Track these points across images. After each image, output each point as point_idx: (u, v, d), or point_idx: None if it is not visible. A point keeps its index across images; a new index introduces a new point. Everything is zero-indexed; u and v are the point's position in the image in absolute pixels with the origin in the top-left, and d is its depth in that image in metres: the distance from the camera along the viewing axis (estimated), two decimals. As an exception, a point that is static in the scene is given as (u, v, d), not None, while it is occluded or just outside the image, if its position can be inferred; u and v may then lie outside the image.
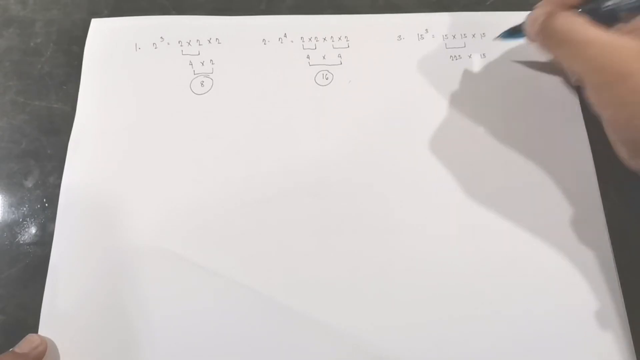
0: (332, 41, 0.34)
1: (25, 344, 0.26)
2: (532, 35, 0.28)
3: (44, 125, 0.33)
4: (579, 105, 0.32)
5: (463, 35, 0.34)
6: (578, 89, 0.32)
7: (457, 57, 0.33)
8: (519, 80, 0.32)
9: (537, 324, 0.27)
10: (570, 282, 0.28)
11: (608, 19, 0.26)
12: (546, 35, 0.27)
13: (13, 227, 0.30)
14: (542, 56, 0.31)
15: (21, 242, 0.30)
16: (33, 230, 0.30)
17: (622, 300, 0.28)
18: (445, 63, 0.33)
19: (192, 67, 0.33)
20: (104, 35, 0.34)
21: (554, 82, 0.32)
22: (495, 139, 0.31)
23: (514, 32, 0.31)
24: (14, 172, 0.32)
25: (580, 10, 0.26)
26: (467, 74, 0.33)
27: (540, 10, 0.27)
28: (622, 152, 0.27)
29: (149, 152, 0.31)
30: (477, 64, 0.33)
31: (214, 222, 0.30)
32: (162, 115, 0.32)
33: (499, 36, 0.31)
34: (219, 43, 0.34)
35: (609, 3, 0.26)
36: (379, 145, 0.31)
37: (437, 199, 0.30)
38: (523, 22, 0.29)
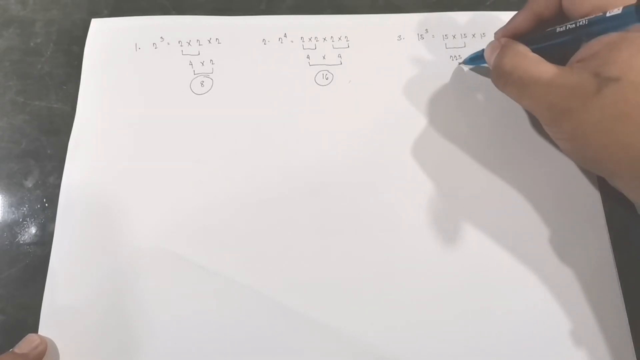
0: (332, 41, 0.34)
1: (25, 344, 0.26)
2: (489, 63, 0.28)
3: (44, 125, 0.33)
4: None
5: (463, 35, 0.34)
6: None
7: (457, 57, 0.33)
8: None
9: (536, 324, 0.27)
10: (570, 282, 0.28)
11: (563, 46, 0.26)
12: (496, 74, 0.27)
13: (13, 227, 0.30)
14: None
15: (21, 242, 0.30)
16: (33, 230, 0.30)
17: (622, 300, 0.28)
18: (445, 63, 0.33)
19: (192, 67, 0.33)
20: (104, 35, 0.34)
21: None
22: (495, 138, 0.31)
23: (475, 58, 0.31)
24: (14, 172, 0.32)
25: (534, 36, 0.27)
26: (467, 75, 0.33)
27: (495, 42, 0.28)
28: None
29: (149, 152, 0.31)
30: (477, 64, 0.33)
31: (213, 221, 0.30)
32: (162, 115, 0.32)
33: (463, 61, 0.32)
34: (219, 43, 0.34)
35: (560, 29, 0.26)
36: (379, 145, 0.31)
37: (437, 198, 0.30)
38: (483, 49, 0.30)
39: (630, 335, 0.27)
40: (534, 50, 0.26)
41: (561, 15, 0.27)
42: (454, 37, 0.34)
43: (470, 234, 0.29)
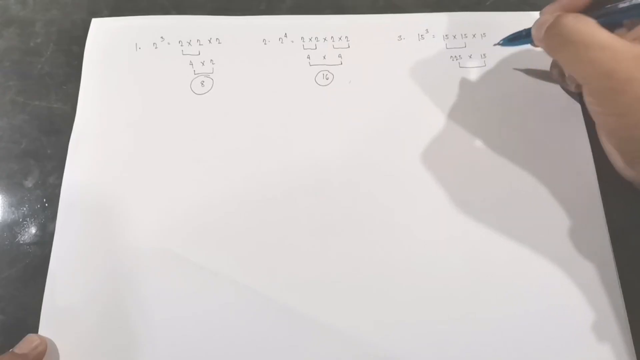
0: (333, 41, 0.34)
1: (25, 344, 0.26)
2: (538, 38, 0.27)
3: (44, 125, 0.33)
4: (580, 105, 0.32)
5: (463, 36, 0.34)
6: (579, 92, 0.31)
7: (458, 57, 0.33)
8: (519, 81, 0.32)
9: (536, 324, 0.27)
10: (570, 283, 0.28)
11: (611, 25, 0.25)
12: (552, 35, 0.26)
13: (13, 227, 0.30)
14: (543, 60, 0.31)
15: (21, 242, 0.30)
16: (33, 230, 0.30)
17: (622, 300, 0.28)
18: (445, 63, 0.33)
19: (193, 67, 0.33)
20: (104, 35, 0.34)
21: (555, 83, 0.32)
22: (495, 140, 0.31)
23: (514, 39, 0.30)
24: (14, 172, 0.32)
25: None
26: (467, 75, 0.33)
27: (547, 16, 0.27)
28: (617, 160, 0.27)
29: (149, 152, 0.31)
30: (477, 65, 0.33)
31: (214, 221, 0.30)
32: (163, 115, 0.32)
33: (499, 42, 0.31)
34: (219, 43, 0.34)
35: (623, 5, 0.25)
36: (379, 145, 0.31)
37: (437, 199, 0.30)
38: (524, 29, 0.29)
39: (630, 335, 0.27)
40: None
41: None
42: (454, 37, 0.34)
43: (470, 234, 0.29)
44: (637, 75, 0.23)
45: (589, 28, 0.24)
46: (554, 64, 0.31)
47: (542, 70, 0.32)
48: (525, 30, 0.29)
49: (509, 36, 0.31)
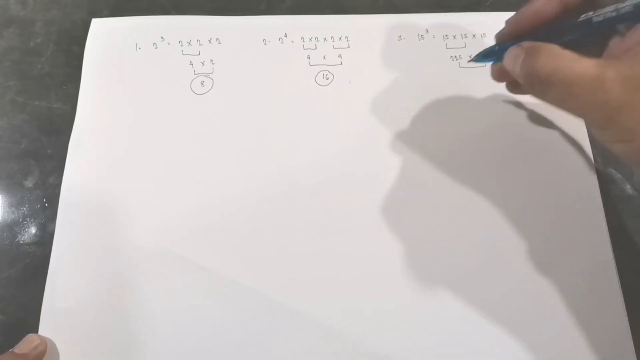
0: (333, 41, 0.34)
1: (25, 344, 0.26)
2: (515, 75, 0.25)
3: (44, 125, 0.33)
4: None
5: (463, 36, 0.34)
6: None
7: (458, 57, 0.33)
8: (519, 80, 0.32)
9: (536, 324, 0.27)
10: (570, 282, 0.28)
11: (604, 32, 0.23)
12: (531, 83, 0.24)
13: (13, 227, 0.30)
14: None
15: (21, 242, 0.30)
16: (33, 230, 0.30)
17: (622, 300, 0.28)
18: (445, 63, 0.33)
19: (193, 67, 0.33)
20: (104, 35, 0.34)
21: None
22: (495, 140, 0.31)
23: (488, 55, 0.28)
24: (14, 172, 0.32)
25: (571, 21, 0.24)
26: (467, 75, 0.33)
27: (516, 51, 0.25)
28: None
29: (149, 152, 0.31)
30: (477, 65, 0.33)
31: (214, 221, 0.30)
32: (163, 115, 0.32)
33: (473, 58, 0.29)
34: (219, 43, 0.34)
35: (599, 16, 0.23)
36: (379, 145, 0.31)
37: (437, 198, 0.30)
38: (495, 46, 0.27)
39: (630, 335, 0.27)
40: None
41: (589, 2, 0.24)
42: (454, 37, 0.34)
43: (470, 233, 0.29)
44: (629, 98, 0.21)
45: (565, 63, 0.22)
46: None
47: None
48: (497, 46, 0.27)
49: (481, 52, 0.29)
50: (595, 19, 0.23)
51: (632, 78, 0.21)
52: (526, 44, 0.24)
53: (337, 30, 0.34)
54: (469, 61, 0.31)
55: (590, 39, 0.24)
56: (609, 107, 0.22)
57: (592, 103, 0.22)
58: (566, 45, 0.23)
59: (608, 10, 0.22)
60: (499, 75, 0.28)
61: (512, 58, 0.25)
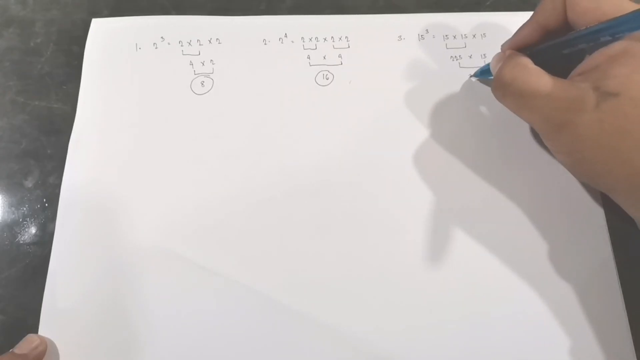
0: (333, 41, 0.34)
1: (25, 345, 0.26)
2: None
3: (44, 125, 0.33)
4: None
5: (463, 36, 0.34)
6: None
7: (458, 58, 0.33)
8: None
9: (536, 324, 0.27)
10: (570, 283, 0.28)
11: (575, 57, 0.26)
12: (495, 86, 0.27)
13: (13, 227, 0.30)
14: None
15: (21, 242, 0.30)
16: (33, 230, 0.30)
17: (622, 300, 0.28)
18: (445, 63, 0.33)
19: (193, 67, 0.33)
20: (105, 35, 0.34)
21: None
22: (495, 140, 0.31)
23: (486, 72, 0.31)
24: (14, 172, 0.32)
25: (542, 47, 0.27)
26: (467, 75, 0.33)
27: (499, 55, 0.28)
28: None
29: (150, 152, 0.31)
30: (477, 65, 0.33)
31: (213, 221, 0.30)
32: (163, 115, 0.32)
33: (475, 74, 0.32)
34: (219, 43, 0.34)
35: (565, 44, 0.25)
36: (379, 146, 0.31)
37: (436, 200, 0.30)
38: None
39: (630, 335, 0.27)
40: (539, 63, 0.26)
41: (567, 27, 0.26)
42: (454, 37, 0.34)
43: (469, 235, 0.29)
44: (571, 118, 0.24)
45: (525, 76, 0.25)
46: None
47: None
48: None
49: (481, 68, 0.31)
50: (562, 39, 0.25)
51: (576, 101, 0.23)
52: (508, 51, 0.28)
53: (337, 30, 0.34)
54: (471, 76, 0.32)
55: (573, 60, 0.26)
56: (552, 123, 0.25)
57: (540, 116, 0.25)
58: (555, 63, 0.26)
59: (572, 33, 0.25)
60: None
61: (495, 62, 0.28)
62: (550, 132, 0.25)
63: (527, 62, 0.26)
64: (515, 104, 0.26)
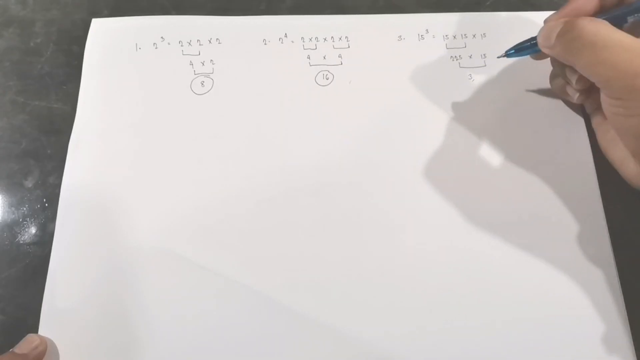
0: (333, 41, 0.34)
1: (25, 344, 0.26)
2: (547, 46, 0.27)
3: (44, 125, 0.33)
4: (581, 105, 0.31)
5: (463, 36, 0.34)
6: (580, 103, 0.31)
7: (458, 57, 0.33)
8: (520, 81, 0.32)
9: (536, 325, 0.27)
10: (570, 283, 0.28)
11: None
12: (567, 39, 0.25)
13: (13, 227, 0.30)
14: (543, 61, 0.31)
15: (21, 242, 0.30)
16: (33, 230, 0.30)
17: (622, 300, 0.28)
18: (445, 63, 0.33)
19: (193, 67, 0.33)
20: (105, 35, 0.34)
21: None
22: (495, 140, 0.31)
23: (520, 49, 0.30)
24: (14, 172, 0.32)
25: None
26: (467, 75, 0.33)
27: (554, 22, 0.27)
28: (630, 168, 0.27)
29: (149, 152, 0.31)
30: (477, 65, 0.33)
31: (213, 221, 0.30)
32: (163, 115, 0.32)
33: (504, 54, 0.31)
34: (219, 43, 0.34)
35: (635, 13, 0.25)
36: (380, 146, 0.31)
37: (437, 199, 0.30)
38: (529, 39, 0.29)
39: (630, 335, 0.27)
40: None
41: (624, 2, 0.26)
42: (454, 37, 0.34)
43: (470, 235, 0.29)
44: None
45: (606, 30, 0.24)
46: (554, 76, 0.31)
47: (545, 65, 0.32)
48: (529, 40, 0.29)
49: (513, 47, 0.30)
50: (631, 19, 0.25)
51: None
52: (562, 19, 0.26)
53: (337, 30, 0.34)
54: (500, 56, 0.31)
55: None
56: (631, 78, 0.23)
57: (625, 70, 0.24)
58: None
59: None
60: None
61: (549, 27, 0.27)
62: (627, 91, 0.24)
63: (599, 19, 0.25)
64: (593, 57, 0.24)
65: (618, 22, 0.25)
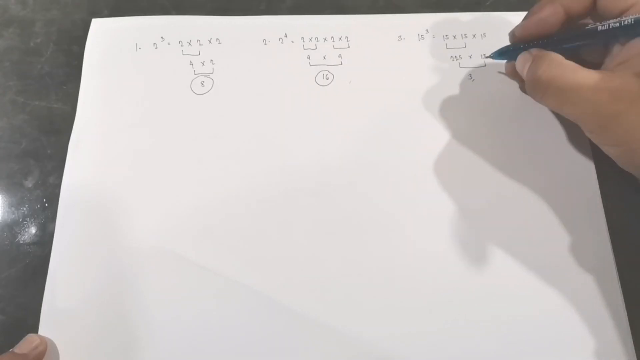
0: (333, 41, 0.34)
1: (25, 344, 0.26)
2: (523, 78, 0.27)
3: (44, 125, 0.33)
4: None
5: (463, 36, 0.34)
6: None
7: (458, 57, 0.33)
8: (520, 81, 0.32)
9: (537, 325, 0.27)
10: (570, 283, 0.28)
11: (607, 40, 0.25)
12: (532, 88, 0.26)
13: (13, 227, 0.30)
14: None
15: (21, 242, 0.30)
16: (33, 230, 0.30)
17: (622, 300, 0.28)
18: (445, 63, 0.33)
19: (193, 67, 0.33)
20: (105, 35, 0.34)
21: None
22: (495, 140, 0.31)
23: (503, 53, 0.30)
24: (14, 172, 0.32)
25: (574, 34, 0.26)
26: (467, 75, 0.33)
27: (525, 57, 0.27)
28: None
29: (149, 152, 0.31)
30: (477, 65, 0.33)
31: (213, 221, 0.30)
32: (163, 115, 0.32)
33: (491, 55, 0.31)
34: (219, 43, 0.34)
35: (603, 26, 0.25)
36: (380, 146, 0.31)
37: (436, 200, 0.30)
38: (512, 45, 0.29)
39: (630, 335, 0.27)
40: (561, 51, 0.25)
41: (592, 12, 0.26)
42: (454, 37, 0.34)
43: (469, 236, 0.29)
44: (620, 108, 0.23)
45: (564, 72, 0.24)
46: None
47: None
48: (511, 47, 0.29)
49: (499, 50, 0.30)
50: (600, 28, 0.25)
51: (623, 91, 0.23)
52: (534, 51, 0.27)
53: (337, 30, 0.34)
54: (487, 56, 0.32)
55: (595, 46, 0.26)
56: (600, 116, 0.24)
57: (585, 111, 0.24)
58: (574, 50, 0.25)
59: (611, 22, 0.24)
60: (512, 73, 0.30)
61: (522, 62, 0.27)
62: (598, 126, 0.25)
63: (559, 58, 0.25)
64: (558, 102, 0.25)
65: (578, 40, 0.26)
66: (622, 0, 0.24)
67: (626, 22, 0.24)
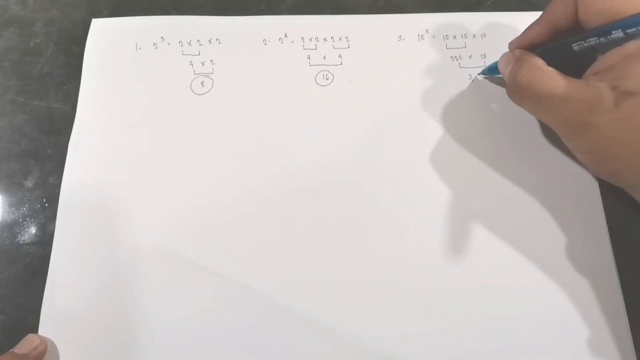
0: (333, 41, 0.34)
1: (25, 345, 0.26)
2: (504, 79, 0.28)
3: (44, 125, 0.33)
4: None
5: (463, 36, 0.34)
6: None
7: (458, 58, 0.33)
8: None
9: (537, 325, 0.27)
10: (570, 282, 0.28)
11: (587, 54, 0.26)
12: (511, 90, 0.27)
13: (13, 227, 0.30)
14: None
15: (21, 242, 0.30)
16: (33, 230, 0.30)
17: (622, 300, 0.28)
18: (445, 63, 0.33)
19: (193, 67, 0.33)
20: (105, 36, 0.34)
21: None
22: (495, 140, 0.31)
23: (493, 69, 0.31)
24: (14, 172, 0.32)
25: (553, 46, 0.26)
26: (467, 75, 0.33)
27: (507, 57, 0.28)
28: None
29: (149, 152, 0.31)
30: (477, 65, 0.33)
31: (213, 221, 0.30)
32: (163, 115, 0.32)
33: (482, 72, 0.32)
34: (219, 43, 0.34)
35: (574, 45, 0.25)
36: (380, 146, 0.31)
37: (437, 200, 0.30)
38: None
39: (630, 335, 0.27)
40: (549, 61, 0.26)
41: (577, 28, 0.26)
42: (454, 37, 0.34)
43: (469, 236, 0.29)
44: (591, 119, 0.24)
45: (541, 79, 0.25)
46: None
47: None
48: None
49: (489, 66, 0.31)
50: (574, 45, 0.25)
51: (594, 102, 0.24)
52: (518, 52, 0.28)
53: (337, 30, 0.34)
54: (478, 74, 0.32)
55: (584, 57, 0.26)
56: (571, 125, 0.25)
57: (559, 118, 0.25)
58: (564, 60, 0.26)
59: (593, 40, 0.25)
60: None
61: (504, 62, 0.28)
62: (570, 133, 0.26)
63: (541, 63, 0.26)
64: (533, 107, 0.26)
65: (565, 50, 0.26)
66: (601, 15, 0.24)
67: (605, 41, 0.24)
